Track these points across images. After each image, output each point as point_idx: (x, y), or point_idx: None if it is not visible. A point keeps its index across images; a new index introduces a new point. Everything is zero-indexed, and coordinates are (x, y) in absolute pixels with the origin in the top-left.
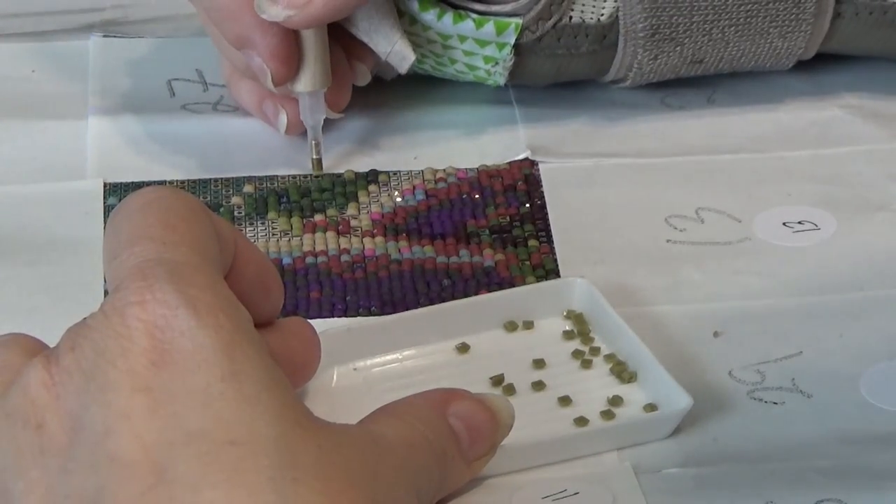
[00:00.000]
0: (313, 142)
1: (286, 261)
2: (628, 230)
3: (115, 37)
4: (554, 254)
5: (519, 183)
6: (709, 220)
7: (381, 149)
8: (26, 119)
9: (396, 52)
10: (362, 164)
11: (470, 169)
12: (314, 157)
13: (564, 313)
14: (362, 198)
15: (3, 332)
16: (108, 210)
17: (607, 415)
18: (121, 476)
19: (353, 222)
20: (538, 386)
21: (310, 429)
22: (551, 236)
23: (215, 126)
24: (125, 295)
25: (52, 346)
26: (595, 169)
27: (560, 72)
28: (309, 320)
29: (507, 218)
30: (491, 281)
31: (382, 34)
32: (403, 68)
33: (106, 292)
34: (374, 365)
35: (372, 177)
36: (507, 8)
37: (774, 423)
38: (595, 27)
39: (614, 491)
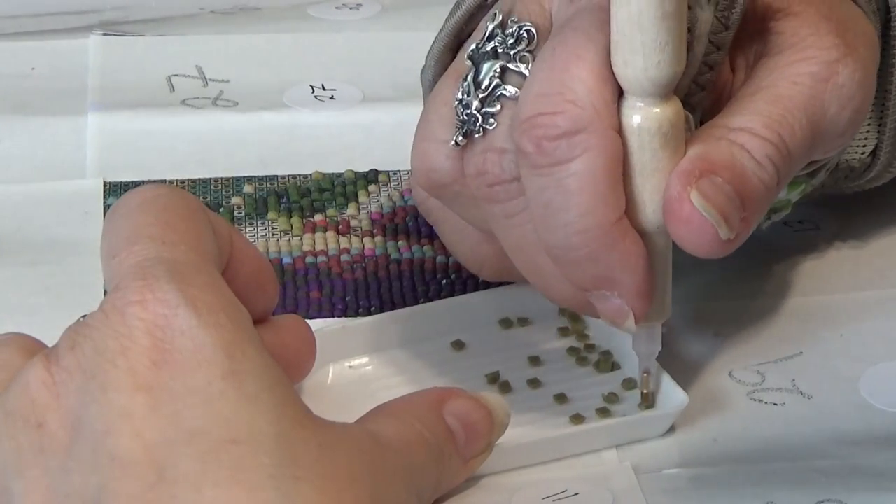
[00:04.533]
0: (644, 374)
1: (286, 261)
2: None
3: (114, 35)
4: None
5: None
6: None
7: (381, 148)
8: (26, 116)
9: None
10: (362, 164)
11: None
12: (644, 390)
13: (559, 310)
14: (362, 198)
15: (3, 332)
16: (107, 210)
17: (603, 412)
18: (122, 475)
19: (353, 222)
20: (534, 383)
21: (310, 427)
22: None
23: (215, 122)
24: (125, 294)
25: (51, 346)
26: None
27: None
28: (309, 320)
29: None
30: (490, 281)
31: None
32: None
33: (106, 292)
34: (369, 363)
35: (372, 176)
36: (803, 171)
37: (774, 423)
38: (858, 168)
39: (614, 491)
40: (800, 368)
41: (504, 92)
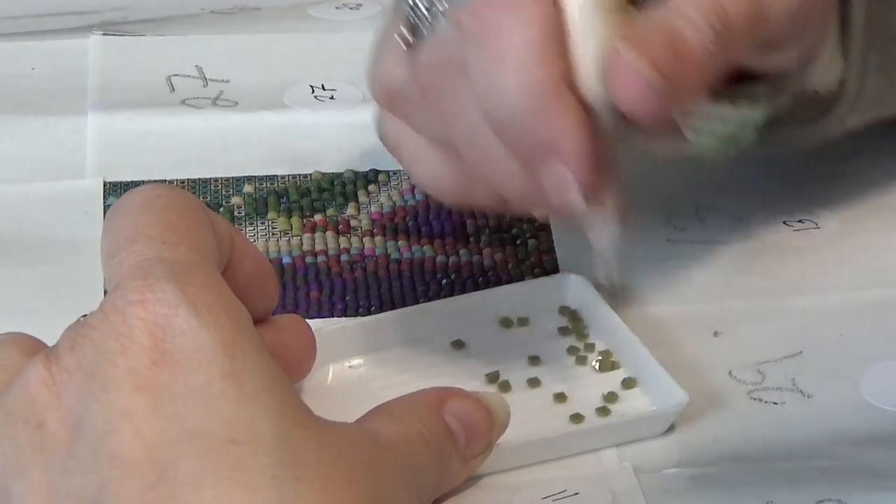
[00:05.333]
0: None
1: (286, 260)
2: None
3: (114, 35)
4: (554, 253)
5: None
6: (709, 220)
7: (380, 148)
8: (25, 116)
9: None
10: (362, 164)
11: None
12: (605, 282)
13: (559, 309)
14: (362, 197)
15: (3, 332)
16: (107, 210)
17: (603, 412)
18: (122, 474)
19: (353, 222)
20: (533, 383)
21: (310, 427)
22: (551, 235)
23: (215, 122)
24: (125, 294)
25: (51, 346)
26: None
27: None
28: (309, 320)
29: (507, 217)
30: (490, 280)
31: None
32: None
33: (106, 292)
34: (370, 362)
35: (372, 176)
36: (765, 86)
37: (774, 423)
38: (826, 98)
39: (614, 491)
40: (800, 368)
41: None
